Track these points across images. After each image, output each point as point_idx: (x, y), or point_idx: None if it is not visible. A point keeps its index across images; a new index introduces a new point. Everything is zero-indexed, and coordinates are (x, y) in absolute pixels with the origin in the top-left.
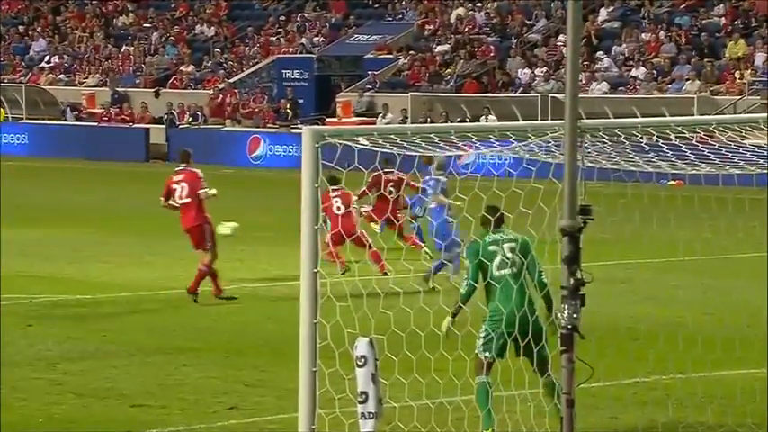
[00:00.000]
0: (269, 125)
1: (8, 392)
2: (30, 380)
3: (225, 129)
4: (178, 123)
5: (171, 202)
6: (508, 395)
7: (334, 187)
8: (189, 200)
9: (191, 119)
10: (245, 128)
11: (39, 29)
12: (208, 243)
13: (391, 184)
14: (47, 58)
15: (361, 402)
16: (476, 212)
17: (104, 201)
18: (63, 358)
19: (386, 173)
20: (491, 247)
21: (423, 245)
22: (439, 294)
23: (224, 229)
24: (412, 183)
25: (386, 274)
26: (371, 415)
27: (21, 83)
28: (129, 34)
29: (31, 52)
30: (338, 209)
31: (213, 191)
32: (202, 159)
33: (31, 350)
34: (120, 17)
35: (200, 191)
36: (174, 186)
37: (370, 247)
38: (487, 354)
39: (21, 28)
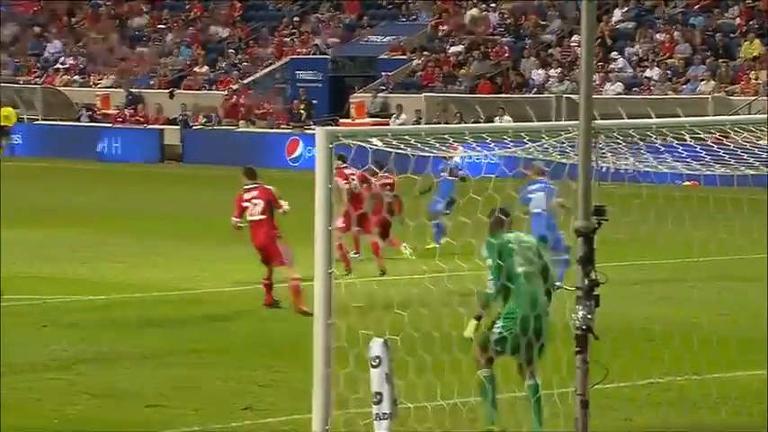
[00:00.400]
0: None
1: (23, 393)
2: (45, 380)
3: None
4: (192, 124)
5: (238, 220)
6: (521, 396)
7: (342, 164)
8: (263, 216)
9: (205, 120)
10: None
11: (54, 30)
12: (286, 259)
13: (388, 187)
14: (62, 59)
15: (375, 403)
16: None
17: (118, 202)
18: (78, 359)
19: (382, 177)
20: (510, 245)
21: (403, 244)
22: (453, 295)
23: None
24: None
25: (382, 272)
26: (386, 416)
27: (36, 84)
28: (143, 36)
29: (47, 53)
30: (355, 187)
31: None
32: (219, 161)
33: (45, 351)
34: (135, 18)
35: (282, 209)
36: (246, 204)
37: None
38: (498, 348)
39: (36, 29)
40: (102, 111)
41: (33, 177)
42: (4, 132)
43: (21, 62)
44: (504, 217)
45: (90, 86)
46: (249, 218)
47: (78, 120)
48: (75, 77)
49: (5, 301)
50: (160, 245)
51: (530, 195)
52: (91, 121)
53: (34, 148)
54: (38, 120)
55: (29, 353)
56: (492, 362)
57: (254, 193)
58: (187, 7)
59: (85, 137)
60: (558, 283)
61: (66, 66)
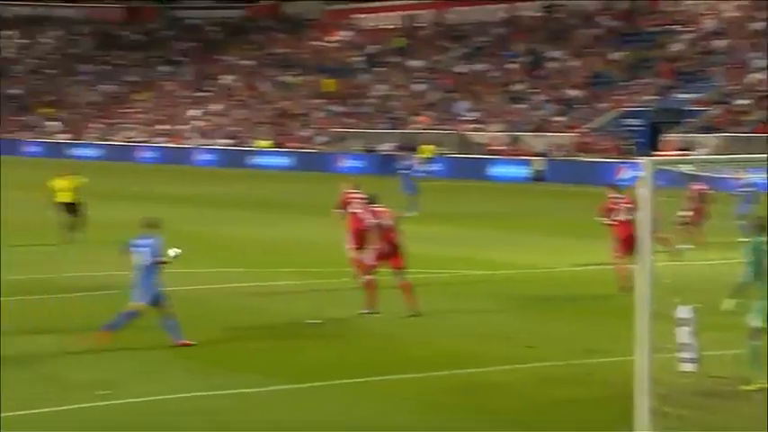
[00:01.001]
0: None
1: (435, 331)
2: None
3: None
4: (552, 156)
5: (604, 219)
6: None
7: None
8: (629, 216)
9: (562, 153)
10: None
11: (461, 93)
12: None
13: (702, 195)
14: (467, 113)
15: (683, 351)
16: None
17: (503, 208)
18: (477, 310)
19: (698, 187)
20: (765, 246)
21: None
22: (727, 276)
23: (171, 253)
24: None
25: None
26: (692, 359)
27: (450, 130)
28: (521, 96)
29: (458, 110)
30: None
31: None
32: (571, 180)
33: (457, 312)
34: (515, 85)
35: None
36: (614, 207)
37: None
38: (761, 322)
39: (452, 94)
40: (492, 147)
41: (448, 191)
42: (426, 161)
43: (434, 113)
44: (762, 223)
45: (485, 131)
46: (616, 217)
47: (472, 153)
48: (475, 125)
49: (422, 273)
50: (526, 238)
51: None
52: (482, 155)
53: (448, 172)
54: (450, 154)
55: (444, 311)
56: (760, 335)
57: (623, 200)
58: (552, 75)
59: (479, 165)
60: None
61: (469, 118)
